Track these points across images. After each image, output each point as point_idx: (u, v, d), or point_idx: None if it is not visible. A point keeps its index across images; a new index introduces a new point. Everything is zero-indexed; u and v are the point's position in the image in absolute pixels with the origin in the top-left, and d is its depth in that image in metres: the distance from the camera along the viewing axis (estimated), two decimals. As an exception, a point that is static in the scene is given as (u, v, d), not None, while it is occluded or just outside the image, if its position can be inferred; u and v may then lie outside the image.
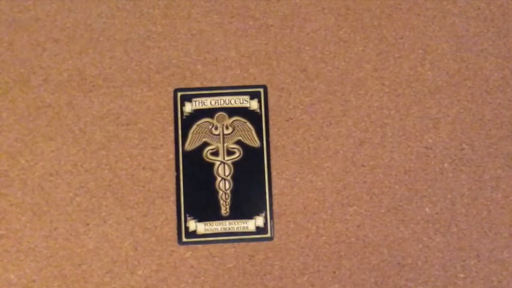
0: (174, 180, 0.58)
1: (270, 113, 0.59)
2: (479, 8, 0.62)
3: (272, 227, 0.56)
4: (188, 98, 0.57)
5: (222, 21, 0.61)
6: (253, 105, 0.58)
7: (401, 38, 0.61)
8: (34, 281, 0.57)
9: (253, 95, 0.58)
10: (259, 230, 0.56)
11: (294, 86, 0.60)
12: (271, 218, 0.56)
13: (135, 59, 0.60)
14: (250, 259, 0.58)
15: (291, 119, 0.60)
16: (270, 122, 0.59)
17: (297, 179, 0.59)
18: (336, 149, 0.59)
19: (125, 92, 0.60)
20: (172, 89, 0.59)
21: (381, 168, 0.59)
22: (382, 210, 0.59)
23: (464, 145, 0.60)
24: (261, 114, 0.58)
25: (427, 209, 0.59)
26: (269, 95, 0.60)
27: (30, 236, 0.57)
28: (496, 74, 0.61)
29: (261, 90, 0.58)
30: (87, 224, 0.58)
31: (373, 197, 0.59)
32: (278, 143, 0.59)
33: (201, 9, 0.61)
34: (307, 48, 0.61)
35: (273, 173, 0.58)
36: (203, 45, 0.60)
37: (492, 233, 0.58)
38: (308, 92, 0.60)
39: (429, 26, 0.61)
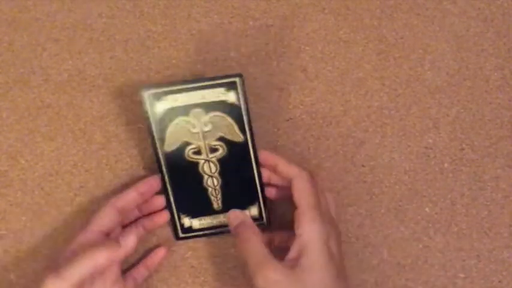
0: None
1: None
2: (479, 8, 0.62)
3: (267, 217, 0.56)
4: (157, 97, 0.52)
5: (222, 21, 0.61)
6: (231, 97, 0.53)
7: (401, 38, 0.61)
8: (34, 281, 0.57)
9: (229, 86, 0.52)
10: (255, 220, 0.55)
11: (294, 86, 0.60)
12: (265, 207, 0.55)
13: (135, 59, 0.60)
14: (250, 259, 0.57)
15: (291, 119, 0.60)
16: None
17: (297, 179, 0.59)
18: (336, 149, 0.59)
19: (124, 92, 0.60)
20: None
21: (380, 168, 0.59)
22: (382, 210, 0.59)
23: (464, 145, 0.60)
24: (240, 107, 0.53)
25: (427, 209, 0.59)
26: (269, 95, 0.59)
27: (30, 236, 0.57)
28: (496, 74, 0.61)
29: (237, 79, 0.52)
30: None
31: (373, 197, 0.59)
32: (278, 143, 0.59)
33: (201, 9, 0.61)
34: (307, 48, 0.61)
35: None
36: (203, 45, 0.60)
37: (492, 233, 0.58)
38: (308, 92, 0.60)
39: (429, 26, 0.61)
